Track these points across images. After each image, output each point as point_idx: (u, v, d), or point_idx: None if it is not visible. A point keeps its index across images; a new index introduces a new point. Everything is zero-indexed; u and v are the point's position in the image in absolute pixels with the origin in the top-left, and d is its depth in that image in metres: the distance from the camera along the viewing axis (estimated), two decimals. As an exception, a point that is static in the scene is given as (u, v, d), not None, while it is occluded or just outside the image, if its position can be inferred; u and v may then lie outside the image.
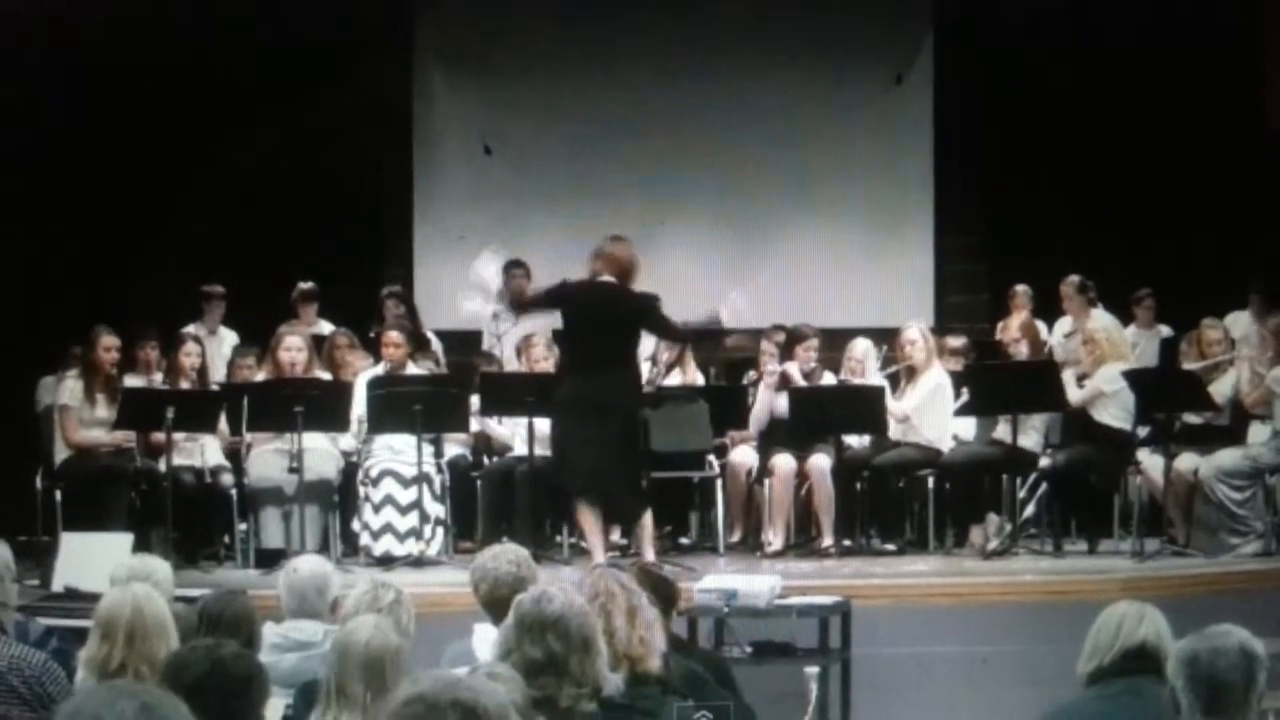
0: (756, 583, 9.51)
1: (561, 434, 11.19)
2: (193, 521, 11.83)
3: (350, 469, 12.19)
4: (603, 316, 11.02)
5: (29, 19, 13.26)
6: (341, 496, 12.13)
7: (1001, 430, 12.23)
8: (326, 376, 12.34)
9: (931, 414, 12.36)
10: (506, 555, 6.70)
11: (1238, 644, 4.91)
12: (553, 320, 13.95)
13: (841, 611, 9.55)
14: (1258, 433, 12.18)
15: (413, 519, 11.77)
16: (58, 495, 11.83)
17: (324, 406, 11.75)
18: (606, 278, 11.07)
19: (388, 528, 11.82)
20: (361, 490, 11.96)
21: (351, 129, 15.45)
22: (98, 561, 8.68)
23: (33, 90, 13.77)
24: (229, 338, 13.94)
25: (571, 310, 11.20)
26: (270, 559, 11.39)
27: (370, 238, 16.08)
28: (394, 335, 12.45)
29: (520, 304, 11.95)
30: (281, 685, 5.86)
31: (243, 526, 12.08)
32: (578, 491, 11.10)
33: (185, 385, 12.18)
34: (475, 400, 12.32)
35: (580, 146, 16.12)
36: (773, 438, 12.51)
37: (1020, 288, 14.29)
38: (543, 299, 11.53)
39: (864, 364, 12.61)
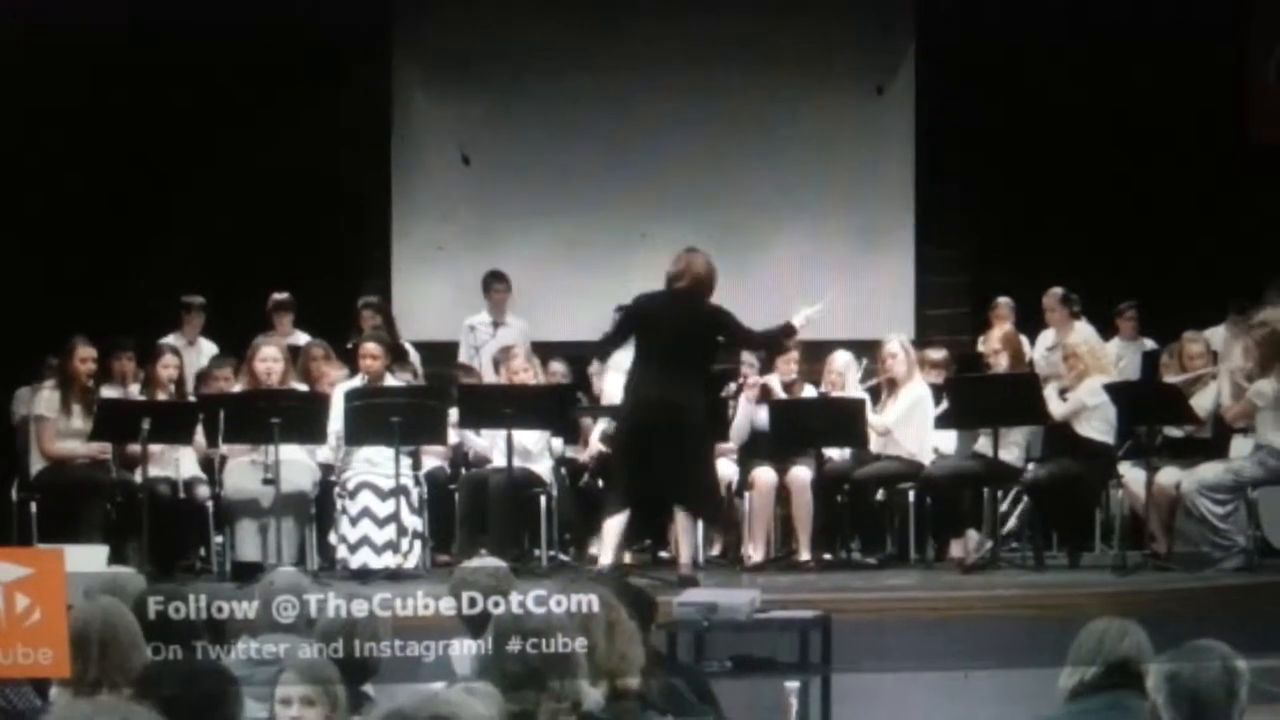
0: (736, 596, 9.48)
1: (638, 441, 11.22)
2: (168, 534, 11.76)
3: (327, 481, 12.14)
4: (679, 326, 11.15)
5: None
6: (318, 509, 12.08)
7: (983, 443, 12.20)
8: (303, 388, 12.28)
9: (912, 427, 12.33)
10: (485, 569, 6.68)
11: (1219, 659, 4.91)
12: (532, 333, 13.99)
13: (822, 625, 9.50)
14: (1240, 446, 12.16)
15: (390, 532, 11.72)
16: (33, 506, 11.76)
17: (300, 418, 11.69)
18: (681, 286, 11.21)
19: (365, 541, 11.77)
20: (338, 503, 11.91)
21: (330, 138, 15.38)
22: (73, 574, 8.60)
23: (13, 103, 13.74)
24: (208, 349, 13.87)
25: (648, 321, 11.26)
26: (246, 572, 11.33)
27: (348, 248, 16.01)
28: (371, 347, 12.37)
29: (605, 352, 11.88)
30: (257, 700, 5.82)
31: (218, 539, 12.02)
32: (658, 495, 11.25)
33: (162, 397, 12.13)
34: (453, 412, 12.27)
35: (560, 157, 16.06)
36: (753, 450, 12.49)
37: (1002, 299, 14.26)
38: (622, 330, 11.50)
39: (844, 376, 12.59)
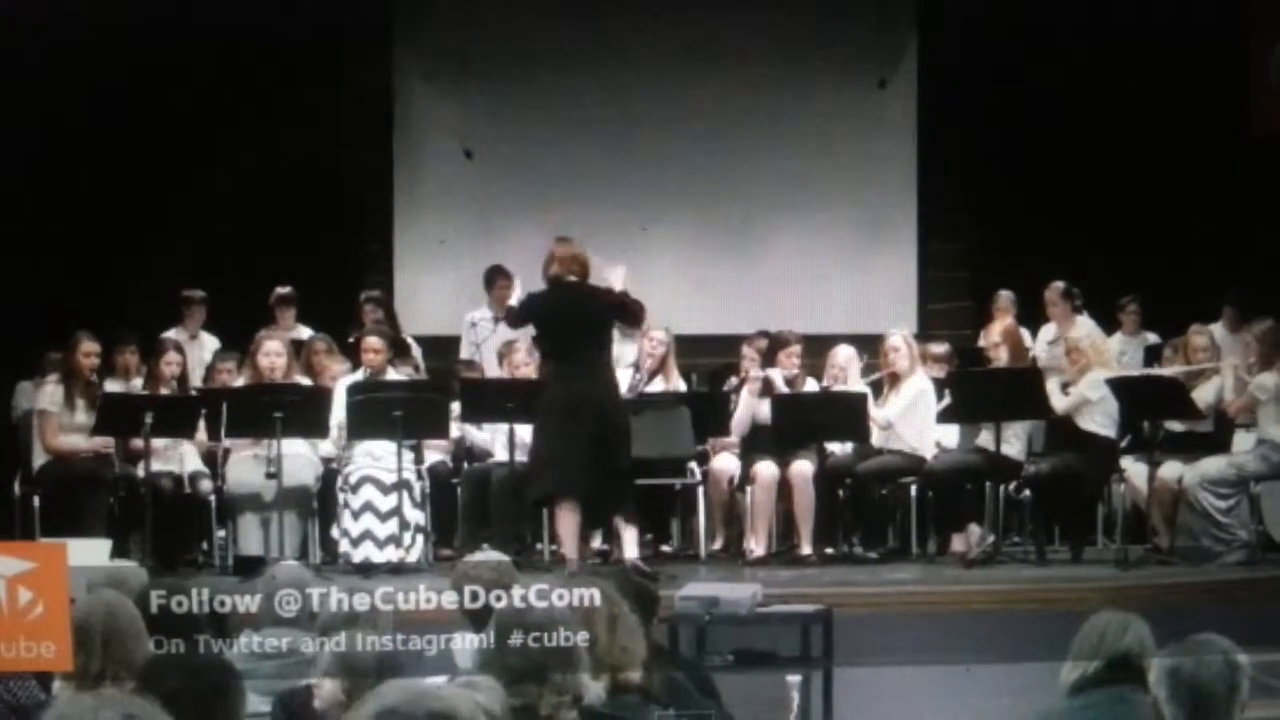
0: (738, 590, 9.47)
1: (550, 437, 11.19)
2: (171, 528, 11.76)
3: (330, 475, 12.13)
4: (577, 316, 11.16)
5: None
6: (321, 503, 12.07)
7: (984, 438, 12.19)
8: (306, 382, 12.28)
9: (914, 421, 12.33)
10: (488, 562, 6.68)
11: (1221, 654, 4.91)
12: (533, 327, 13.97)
13: (824, 620, 9.50)
14: (1242, 441, 12.16)
15: (392, 526, 11.70)
16: (36, 501, 11.78)
17: (303, 412, 11.69)
18: (571, 278, 11.14)
19: (367, 534, 11.75)
20: (341, 497, 11.89)
21: (332, 133, 15.40)
22: (75, 567, 8.61)
23: (17, 98, 13.74)
24: (210, 343, 13.86)
25: (546, 316, 11.25)
26: (248, 566, 11.32)
27: (350, 242, 16.02)
28: (373, 341, 12.38)
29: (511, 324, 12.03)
30: (259, 694, 5.83)
31: (221, 533, 12.03)
32: (568, 492, 11.11)
33: (165, 392, 12.13)
34: (455, 406, 12.27)
35: (562, 151, 16.07)
36: (755, 444, 12.46)
37: (1003, 293, 14.26)
38: (521, 316, 11.56)
39: (847, 370, 12.58)
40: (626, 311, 11.42)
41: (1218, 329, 13.20)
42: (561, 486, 11.16)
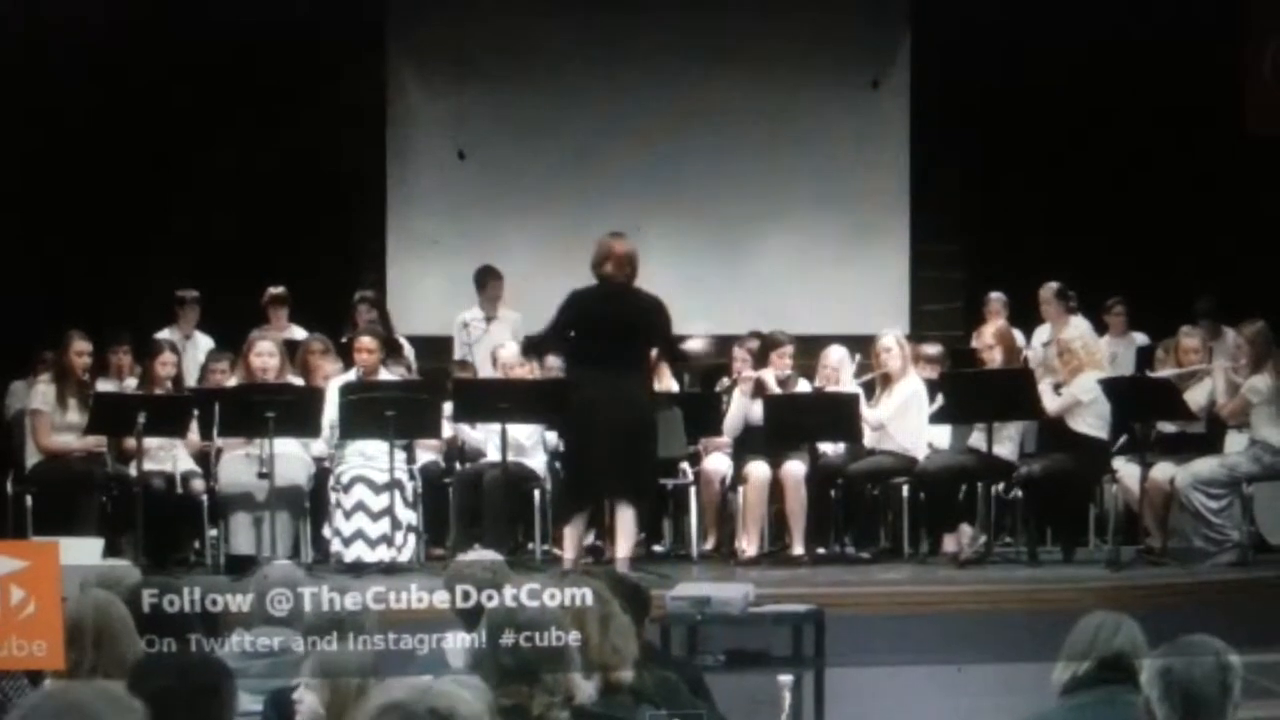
0: (730, 590, 9.47)
1: (574, 447, 11.18)
2: (163, 527, 11.75)
3: (322, 475, 12.13)
4: (619, 318, 11.07)
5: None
6: (313, 502, 12.07)
7: (977, 438, 12.20)
8: (299, 382, 12.28)
9: (907, 422, 12.33)
10: (481, 562, 6.68)
11: (1213, 655, 4.91)
12: (526, 326, 13.98)
13: (815, 620, 9.51)
14: (1234, 442, 12.16)
15: (384, 525, 11.70)
16: (28, 500, 11.76)
17: (296, 412, 11.68)
18: (617, 278, 11.11)
19: (359, 534, 11.75)
20: (333, 496, 11.89)
21: (325, 133, 15.38)
22: (68, 567, 8.61)
23: (12, 96, 13.74)
24: (204, 343, 13.88)
25: (590, 315, 11.16)
26: (241, 565, 11.32)
27: (343, 242, 16.02)
28: (366, 341, 12.37)
29: (540, 349, 11.99)
30: (251, 693, 5.82)
31: (213, 532, 12.02)
32: (582, 507, 11.12)
33: (159, 392, 12.13)
34: (448, 406, 12.27)
35: (554, 152, 16.08)
36: (747, 445, 12.47)
37: (995, 295, 14.28)
38: (560, 325, 11.36)
39: (839, 371, 12.59)
40: (665, 341, 11.53)
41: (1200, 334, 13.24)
42: (580, 500, 11.20)
